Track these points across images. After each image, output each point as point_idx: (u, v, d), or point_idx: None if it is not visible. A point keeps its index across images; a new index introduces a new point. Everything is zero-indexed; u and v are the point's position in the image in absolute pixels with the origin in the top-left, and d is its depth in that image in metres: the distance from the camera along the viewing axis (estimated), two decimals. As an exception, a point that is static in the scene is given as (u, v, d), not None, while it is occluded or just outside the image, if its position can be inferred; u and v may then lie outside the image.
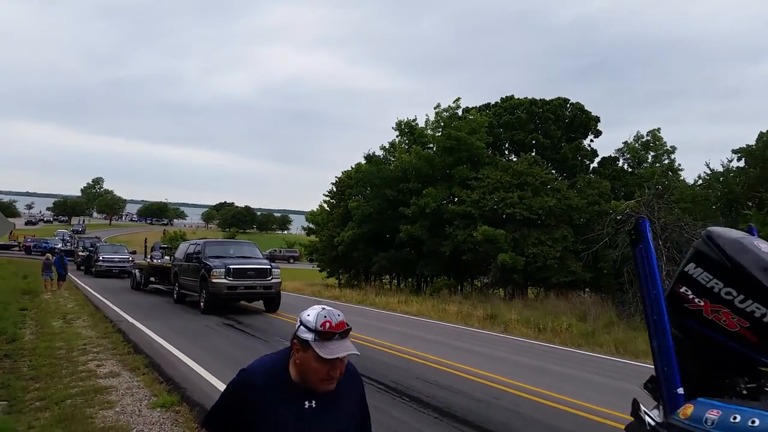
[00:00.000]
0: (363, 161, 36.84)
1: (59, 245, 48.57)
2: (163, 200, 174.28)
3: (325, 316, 2.10)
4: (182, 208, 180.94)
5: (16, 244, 57.79)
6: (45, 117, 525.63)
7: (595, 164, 35.14)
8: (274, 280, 16.67)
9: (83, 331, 12.95)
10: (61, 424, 6.36)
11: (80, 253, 39.06)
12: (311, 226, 49.14)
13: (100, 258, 31.99)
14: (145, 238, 40.06)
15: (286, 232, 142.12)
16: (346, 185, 39.15)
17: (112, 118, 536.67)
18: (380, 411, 7.04)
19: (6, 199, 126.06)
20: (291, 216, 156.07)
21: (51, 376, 8.79)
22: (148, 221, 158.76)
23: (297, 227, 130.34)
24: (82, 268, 35.92)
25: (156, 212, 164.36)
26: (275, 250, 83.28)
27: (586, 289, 26.13)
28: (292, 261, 78.90)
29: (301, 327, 2.12)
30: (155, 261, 25.35)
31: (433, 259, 30.28)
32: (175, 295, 19.35)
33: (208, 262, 16.63)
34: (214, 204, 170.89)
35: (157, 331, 12.71)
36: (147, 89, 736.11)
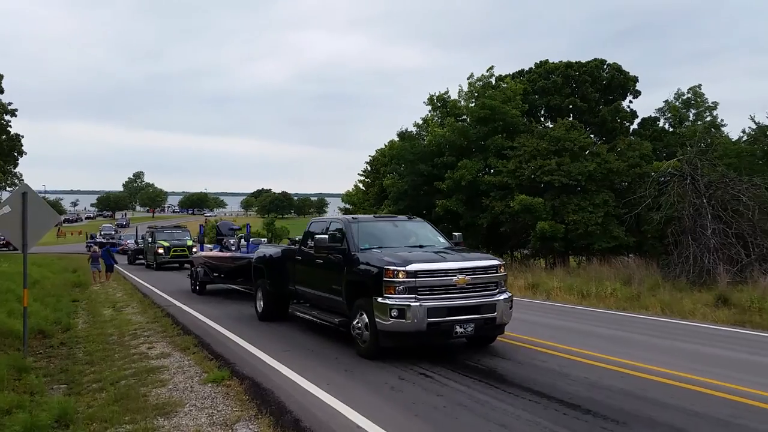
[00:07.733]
0: (396, 139, 36.67)
1: (130, 241, 42.70)
2: (203, 190, 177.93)
3: None
4: (222, 197, 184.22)
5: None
6: (85, 115, 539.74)
7: (635, 126, 34.14)
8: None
9: (133, 317, 13.34)
10: (117, 402, 6.60)
11: (129, 246, 38.08)
12: (347, 206, 49.34)
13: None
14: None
15: (323, 214, 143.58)
16: (380, 163, 39.14)
17: (151, 111, 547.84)
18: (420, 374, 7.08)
19: (52, 197, 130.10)
20: (327, 199, 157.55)
21: (105, 360, 9.11)
22: (190, 212, 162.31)
23: (334, 209, 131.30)
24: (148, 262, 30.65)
25: (197, 202, 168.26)
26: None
27: (630, 254, 25.59)
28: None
29: None
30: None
31: (470, 232, 30.03)
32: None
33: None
34: (252, 191, 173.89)
35: (204, 313, 12.96)
36: (185, 82, 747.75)
